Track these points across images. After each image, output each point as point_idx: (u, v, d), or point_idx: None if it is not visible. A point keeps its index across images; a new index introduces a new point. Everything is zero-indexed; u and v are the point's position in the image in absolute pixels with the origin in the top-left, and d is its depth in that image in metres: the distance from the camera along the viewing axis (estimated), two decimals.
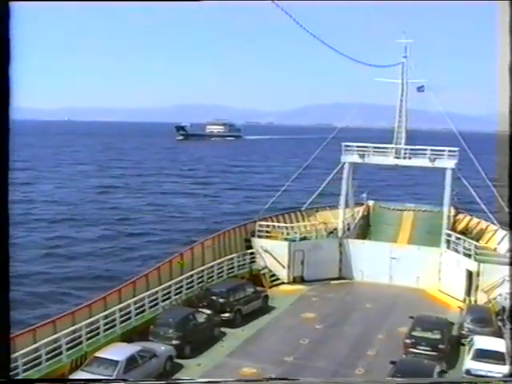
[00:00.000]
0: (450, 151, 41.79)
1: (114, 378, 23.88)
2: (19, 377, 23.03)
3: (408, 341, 28.37)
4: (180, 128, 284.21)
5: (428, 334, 28.44)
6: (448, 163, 41.48)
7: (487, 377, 24.23)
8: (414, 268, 39.93)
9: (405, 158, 43.29)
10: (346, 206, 44.69)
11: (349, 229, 44.54)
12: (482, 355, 25.63)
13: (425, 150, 42.82)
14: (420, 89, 43.97)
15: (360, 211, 47.65)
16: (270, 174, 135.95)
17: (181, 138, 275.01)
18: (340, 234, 43.32)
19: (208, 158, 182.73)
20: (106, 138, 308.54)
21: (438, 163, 41.88)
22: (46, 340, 25.12)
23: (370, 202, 49.79)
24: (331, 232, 43.72)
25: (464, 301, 36.26)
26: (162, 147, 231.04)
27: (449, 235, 40.04)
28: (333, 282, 41.32)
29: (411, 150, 43.41)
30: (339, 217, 44.16)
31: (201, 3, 3.21)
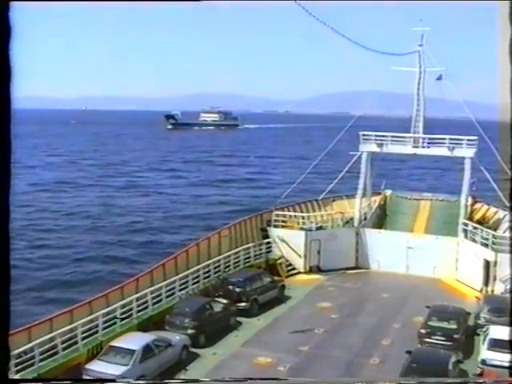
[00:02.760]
0: (468, 140, 41.48)
1: (129, 366, 24.15)
2: (35, 366, 23.34)
3: (423, 331, 28.31)
4: (170, 117, 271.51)
5: (444, 324, 28.34)
6: (467, 152, 41.17)
7: (502, 367, 24.14)
8: (431, 258, 39.73)
9: (423, 147, 43.07)
10: (363, 195, 44.56)
11: (365, 218, 44.39)
12: (497, 345, 25.48)
13: (443, 138, 42.54)
14: (438, 77, 43.70)
15: (377, 201, 47.47)
16: (251, 168, 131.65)
17: (171, 127, 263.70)
18: (356, 224, 43.19)
19: (192, 148, 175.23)
20: (106, 126, 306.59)
21: (457, 152, 41.59)
22: (62, 330, 25.26)
23: (387, 192, 49.55)
24: (348, 221, 43.69)
25: (481, 290, 36.06)
26: (151, 137, 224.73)
27: (466, 225, 39.75)
28: (349, 271, 41.25)
29: (430, 139, 43.17)
30: (356, 206, 44.07)
31: (201, 3, 3.18)
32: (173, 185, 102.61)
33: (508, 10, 3.25)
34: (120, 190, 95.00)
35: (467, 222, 40.20)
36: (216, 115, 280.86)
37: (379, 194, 48.43)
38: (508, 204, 41.78)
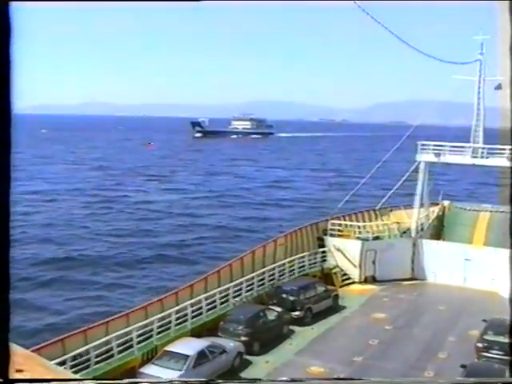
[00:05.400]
0: None
1: (183, 371, 24.34)
2: (90, 368, 23.76)
3: (480, 344, 27.82)
4: (196, 124, 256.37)
5: (501, 338, 27.78)
6: None
7: None
8: (489, 270, 38.95)
9: (482, 157, 42.35)
10: (421, 205, 43.98)
11: (422, 229, 43.90)
12: None
13: (503, 149, 41.73)
14: (497, 86, 42.91)
15: (435, 211, 46.88)
16: (265, 179, 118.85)
17: (199, 135, 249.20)
18: (413, 234, 42.74)
19: (210, 158, 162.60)
20: (145, 132, 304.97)
21: None
22: (117, 333, 25.61)
23: (445, 202, 48.92)
24: (405, 232, 43.21)
25: None
26: (175, 145, 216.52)
27: None
28: (405, 282, 40.85)
29: (489, 149, 42.39)
30: (413, 216, 43.58)
31: (201, 3, 3.26)
32: (163, 200, 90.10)
33: (508, 9, 3.25)
34: (93, 205, 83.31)
35: None
36: (248, 123, 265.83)
37: (437, 204, 47.89)
38: None
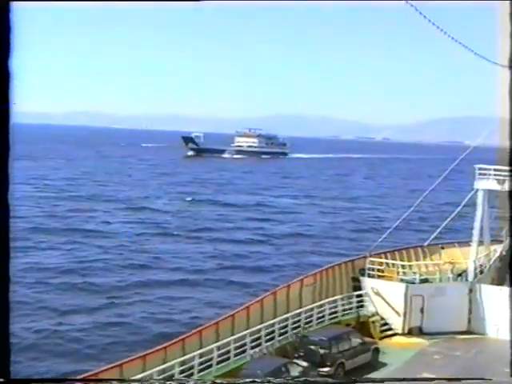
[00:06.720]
0: None
1: None
2: None
3: None
4: (189, 140, 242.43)
5: None
6: None
7: None
8: None
9: None
10: (480, 242, 41.94)
11: (482, 271, 41.69)
12: None
13: None
14: None
15: (497, 250, 44.61)
16: (250, 213, 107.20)
17: (191, 153, 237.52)
18: (471, 278, 40.48)
19: (192, 182, 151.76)
20: (142, 149, 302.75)
21: None
22: (133, 378, 24.42)
23: None
24: (459, 274, 41.05)
25: None
26: (161, 164, 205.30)
27: None
28: (459, 336, 38.66)
29: None
30: (470, 256, 41.43)
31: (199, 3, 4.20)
32: (120, 232, 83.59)
33: (508, 9, 4.03)
34: (31, 237, 75.37)
35: None
36: (254, 140, 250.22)
37: (500, 242, 45.40)
38: None
